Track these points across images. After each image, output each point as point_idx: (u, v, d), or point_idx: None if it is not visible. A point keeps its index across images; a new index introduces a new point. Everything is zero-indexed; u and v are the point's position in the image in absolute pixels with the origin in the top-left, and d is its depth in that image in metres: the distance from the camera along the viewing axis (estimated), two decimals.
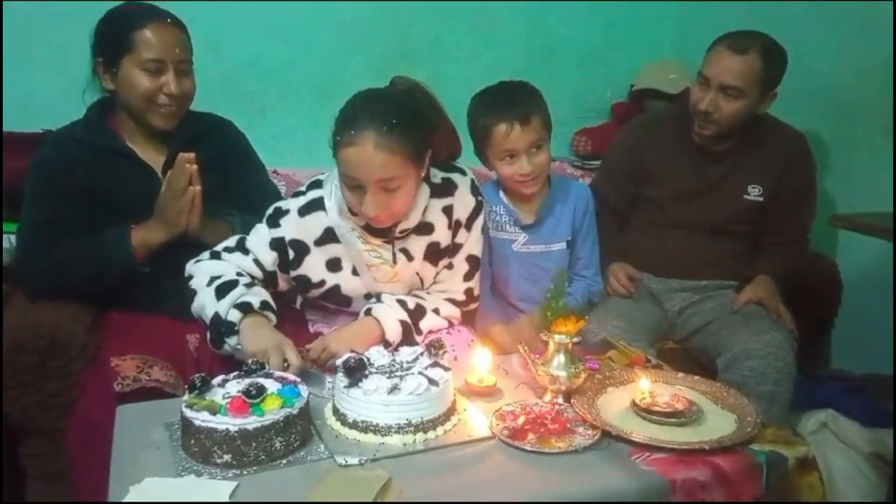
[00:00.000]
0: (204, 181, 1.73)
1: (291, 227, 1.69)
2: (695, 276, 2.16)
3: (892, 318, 2.18)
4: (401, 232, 1.70)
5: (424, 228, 1.73)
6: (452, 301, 1.81)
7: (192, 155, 1.70)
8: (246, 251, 1.70)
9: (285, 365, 1.50)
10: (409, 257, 1.74)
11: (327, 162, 2.06)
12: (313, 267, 1.72)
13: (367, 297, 1.77)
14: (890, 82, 2.19)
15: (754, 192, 2.11)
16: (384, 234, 1.70)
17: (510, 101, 1.80)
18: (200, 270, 1.69)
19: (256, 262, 1.70)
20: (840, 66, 2.40)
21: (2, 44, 2.26)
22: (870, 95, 2.30)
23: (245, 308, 1.60)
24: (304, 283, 1.75)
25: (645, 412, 1.39)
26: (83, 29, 2.01)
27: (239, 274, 1.67)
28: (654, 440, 1.31)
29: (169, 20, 1.77)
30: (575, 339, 1.47)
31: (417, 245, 1.74)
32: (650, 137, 2.21)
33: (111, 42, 1.75)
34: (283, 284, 1.76)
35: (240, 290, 1.62)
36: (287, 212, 1.70)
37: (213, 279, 1.65)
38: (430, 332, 1.77)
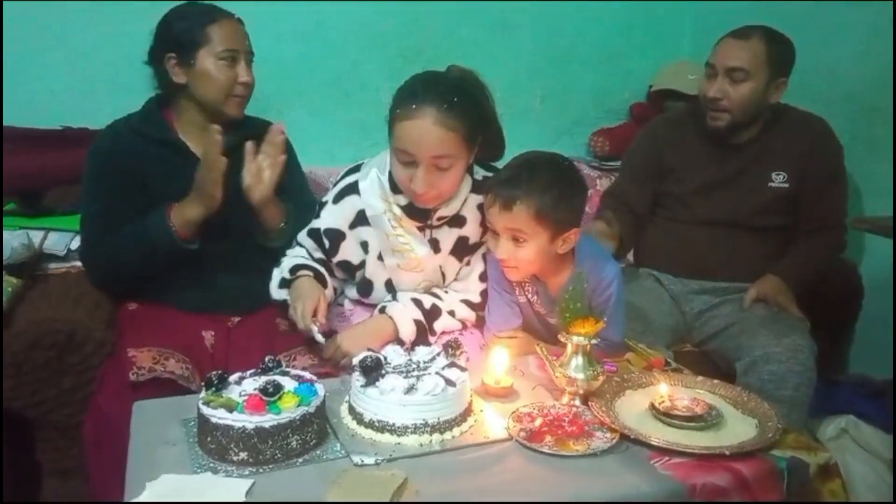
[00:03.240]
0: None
1: (328, 217, 1.76)
2: (716, 276, 2.13)
3: None
4: (438, 219, 1.71)
5: (457, 221, 1.74)
6: (468, 303, 1.81)
7: (218, 126, 1.75)
8: (299, 244, 1.82)
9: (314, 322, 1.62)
10: (437, 249, 1.74)
11: (343, 160, 2.08)
12: (350, 251, 1.78)
13: (388, 287, 1.78)
14: None
15: (779, 179, 2.08)
16: (421, 218, 1.71)
17: (507, 178, 1.60)
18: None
19: (307, 252, 1.80)
20: (860, 67, 2.37)
21: (1, 41, 2.26)
22: (891, 97, 2.27)
23: (297, 269, 1.75)
24: (348, 269, 1.81)
25: (664, 416, 1.37)
26: (102, 30, 2.04)
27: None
28: (674, 444, 1.29)
29: (236, 17, 1.87)
30: (593, 341, 1.45)
31: (448, 238, 1.75)
32: (670, 135, 2.20)
33: (185, 37, 1.80)
34: (337, 272, 1.83)
35: (299, 260, 1.77)
36: (325, 203, 1.78)
37: (282, 261, 1.81)
38: (444, 333, 1.77)
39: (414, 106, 1.56)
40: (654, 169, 2.19)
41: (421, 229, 1.73)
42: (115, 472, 1.29)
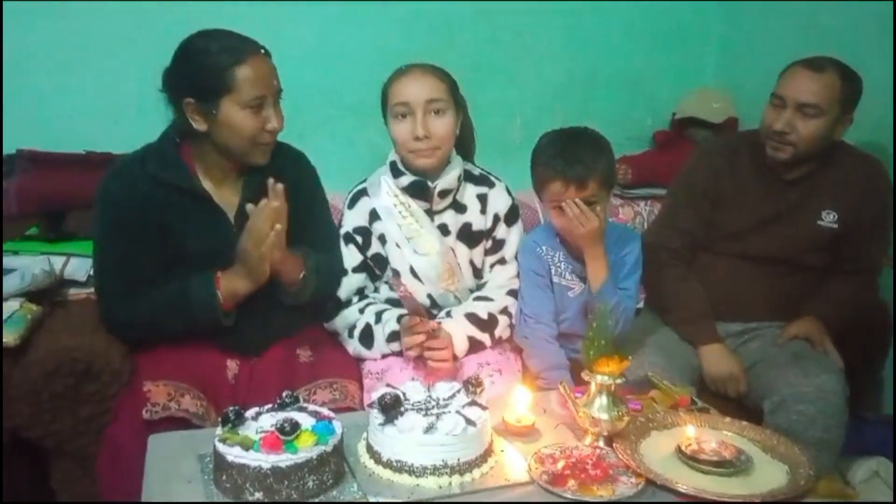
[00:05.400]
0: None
1: (349, 221, 1.93)
2: (749, 316, 2.08)
3: None
4: (440, 194, 1.87)
5: (460, 208, 1.92)
6: (512, 293, 1.94)
7: (279, 187, 1.62)
8: (345, 272, 1.90)
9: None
10: (446, 232, 1.90)
11: None
12: (377, 245, 1.91)
13: (413, 275, 1.87)
14: None
15: (828, 219, 2.01)
16: (424, 196, 1.87)
17: (570, 158, 1.77)
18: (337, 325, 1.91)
19: (353, 273, 1.90)
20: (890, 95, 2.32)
21: (1, 50, 2.27)
22: None
23: (393, 337, 1.81)
24: (380, 263, 1.92)
25: (691, 460, 1.33)
26: (127, 55, 2.01)
27: (360, 311, 1.88)
28: (702, 491, 1.25)
29: (262, 51, 1.66)
30: (618, 381, 1.42)
31: (454, 223, 1.91)
32: (728, 162, 2.10)
33: (206, 82, 1.60)
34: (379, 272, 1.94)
35: (377, 329, 1.84)
36: (342, 215, 1.96)
37: (350, 330, 1.87)
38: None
39: (403, 68, 1.84)
40: (709, 195, 2.09)
41: (428, 214, 1.88)
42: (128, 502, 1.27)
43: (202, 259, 1.70)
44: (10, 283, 1.83)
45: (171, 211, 1.69)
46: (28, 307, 1.79)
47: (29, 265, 1.89)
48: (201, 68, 1.61)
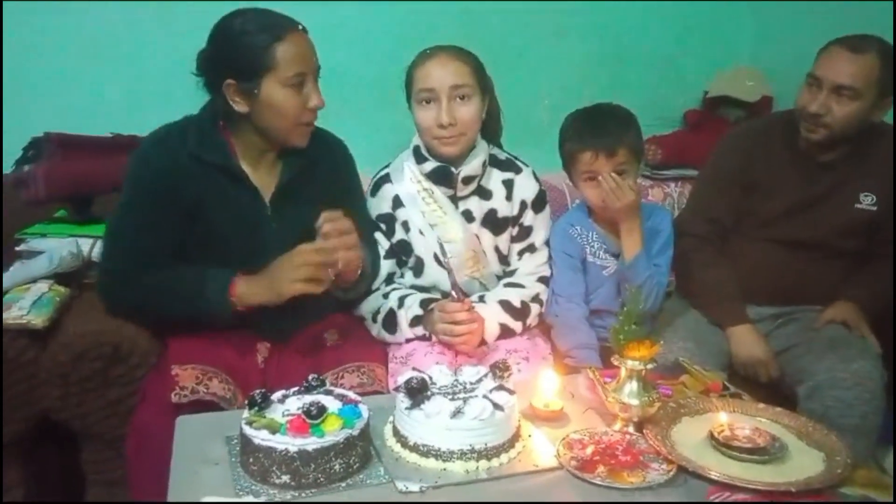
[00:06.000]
0: (308, 215, 1.61)
1: (371, 208, 1.92)
2: (784, 301, 2.03)
3: None
4: (464, 180, 1.84)
5: (484, 194, 1.89)
6: (543, 279, 1.93)
7: (341, 223, 1.59)
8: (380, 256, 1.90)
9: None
10: (470, 219, 1.88)
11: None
12: (401, 231, 1.89)
13: (437, 262, 1.84)
14: None
15: (867, 201, 1.96)
16: (447, 182, 1.85)
17: (599, 130, 1.82)
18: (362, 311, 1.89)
19: (382, 259, 1.89)
20: None
21: (2, 44, 2.27)
22: None
23: (416, 321, 1.81)
24: (404, 249, 1.90)
25: (724, 447, 1.30)
26: (152, 38, 2.00)
27: (384, 295, 1.87)
28: (735, 479, 1.22)
29: (300, 27, 1.63)
30: (649, 366, 1.39)
31: (478, 209, 1.88)
32: (758, 147, 2.04)
33: (247, 61, 1.58)
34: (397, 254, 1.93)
35: (400, 313, 1.82)
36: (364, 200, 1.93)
37: (374, 315, 1.86)
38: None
39: (428, 52, 1.80)
40: (740, 181, 2.04)
41: (452, 200, 1.86)
42: (157, 486, 1.27)
43: (235, 239, 1.69)
44: (39, 265, 1.84)
45: (208, 188, 1.66)
46: (57, 289, 1.80)
47: (57, 247, 1.89)
48: (241, 48, 1.59)
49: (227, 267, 1.65)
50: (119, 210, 1.70)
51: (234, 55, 1.60)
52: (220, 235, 1.69)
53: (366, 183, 2.04)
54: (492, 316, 1.81)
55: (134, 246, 1.66)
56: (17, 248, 1.93)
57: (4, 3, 2.25)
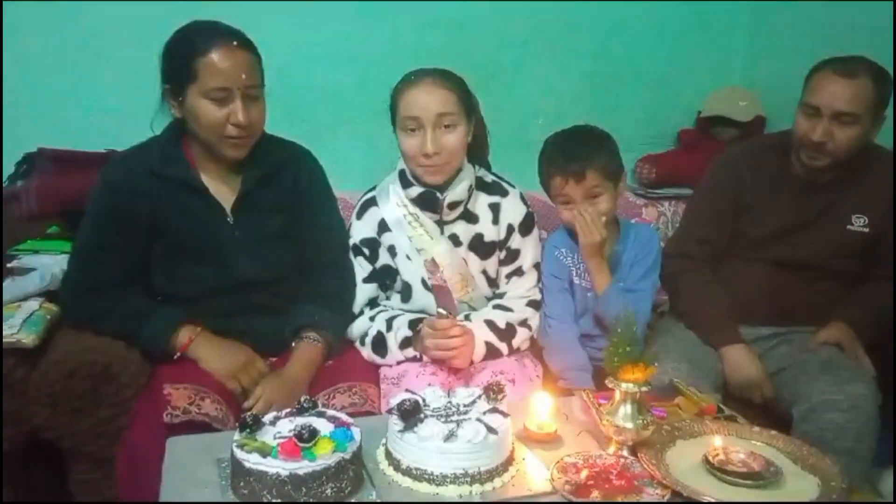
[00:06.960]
0: (271, 221, 1.75)
1: (357, 231, 1.90)
2: (776, 322, 2.03)
3: None
4: (450, 206, 1.82)
5: (471, 218, 1.87)
6: (533, 303, 1.91)
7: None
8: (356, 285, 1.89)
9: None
10: (457, 243, 1.85)
11: None
12: (386, 256, 1.87)
13: (425, 286, 1.83)
14: None
15: (859, 223, 1.96)
16: (433, 207, 1.83)
17: (567, 155, 1.85)
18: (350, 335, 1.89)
19: (363, 283, 1.89)
20: None
21: (1, 48, 2.27)
22: None
23: (406, 343, 1.80)
24: (389, 274, 1.88)
25: (719, 471, 1.29)
26: (147, 53, 1.98)
27: (371, 319, 1.86)
28: None
29: (235, 42, 1.64)
30: (643, 388, 1.38)
31: (465, 233, 1.86)
32: (753, 168, 2.05)
33: (176, 69, 1.64)
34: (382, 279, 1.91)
35: (389, 336, 1.81)
36: (350, 225, 1.92)
37: (363, 339, 1.86)
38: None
39: (413, 77, 1.77)
40: (732, 203, 2.05)
41: (438, 225, 1.84)
42: None
43: (199, 250, 1.73)
44: (30, 282, 1.83)
45: (168, 204, 1.70)
46: (47, 307, 1.79)
47: (49, 265, 1.89)
48: (171, 55, 1.66)
49: (196, 278, 1.72)
50: (81, 227, 1.75)
51: (167, 61, 1.67)
52: (184, 248, 1.73)
53: (356, 198, 2.04)
54: (478, 334, 1.80)
55: (91, 262, 1.71)
56: (8, 265, 1.92)
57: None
